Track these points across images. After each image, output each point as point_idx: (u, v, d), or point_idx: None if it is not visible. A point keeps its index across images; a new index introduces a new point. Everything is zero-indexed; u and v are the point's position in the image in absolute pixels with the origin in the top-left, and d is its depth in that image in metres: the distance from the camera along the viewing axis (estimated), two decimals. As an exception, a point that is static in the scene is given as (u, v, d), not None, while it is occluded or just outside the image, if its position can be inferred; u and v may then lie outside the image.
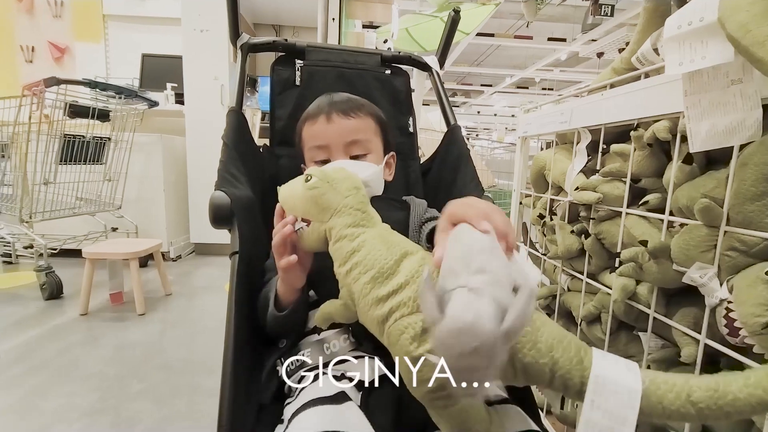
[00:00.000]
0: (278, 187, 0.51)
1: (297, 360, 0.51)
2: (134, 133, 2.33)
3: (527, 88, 8.28)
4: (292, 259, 0.47)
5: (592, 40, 4.91)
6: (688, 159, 0.53)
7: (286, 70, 0.87)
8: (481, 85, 8.36)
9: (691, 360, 0.53)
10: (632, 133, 0.63)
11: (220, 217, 0.55)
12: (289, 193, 0.48)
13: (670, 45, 0.45)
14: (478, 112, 10.54)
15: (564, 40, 5.49)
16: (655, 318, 0.60)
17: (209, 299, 2.01)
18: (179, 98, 2.64)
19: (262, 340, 0.57)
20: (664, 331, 0.62)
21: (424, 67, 0.93)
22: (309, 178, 0.45)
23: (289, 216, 0.48)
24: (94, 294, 1.78)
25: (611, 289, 0.69)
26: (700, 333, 0.53)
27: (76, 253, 1.97)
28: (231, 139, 0.69)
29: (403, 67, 0.94)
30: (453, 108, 0.90)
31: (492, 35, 5.48)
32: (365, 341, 0.52)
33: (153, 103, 2.38)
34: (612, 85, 0.70)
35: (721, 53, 0.42)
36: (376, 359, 0.50)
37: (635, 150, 0.64)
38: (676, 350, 0.60)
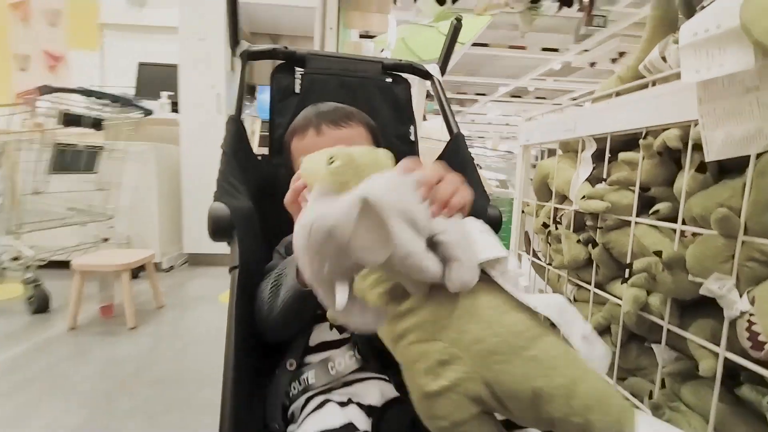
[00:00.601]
0: (302, 157, 0.47)
1: (301, 380, 0.49)
2: (128, 142, 2.29)
3: (521, 97, 8.37)
4: None
5: (585, 51, 4.98)
6: (701, 168, 0.52)
7: (286, 78, 0.85)
8: (476, 94, 8.43)
9: (709, 374, 0.51)
10: (641, 141, 0.62)
11: (219, 229, 0.53)
12: (311, 169, 0.43)
13: (686, 52, 0.44)
14: (473, 121, 10.63)
15: (557, 50, 5.56)
16: (668, 330, 0.59)
17: (203, 311, 1.97)
18: (175, 107, 2.62)
19: (266, 360, 0.54)
20: (678, 342, 0.60)
21: (426, 75, 0.92)
22: (332, 160, 0.40)
23: (300, 181, 0.45)
24: (84, 307, 1.73)
25: (620, 299, 0.67)
26: (717, 345, 0.51)
27: (65, 265, 1.91)
28: (230, 147, 0.67)
29: (404, 75, 0.93)
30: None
31: (486, 45, 5.54)
32: (372, 358, 0.49)
33: (147, 112, 2.36)
34: (618, 93, 0.69)
35: (739, 60, 0.41)
36: (383, 382, 0.47)
37: (644, 158, 0.63)
38: (691, 363, 0.58)
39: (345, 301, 0.29)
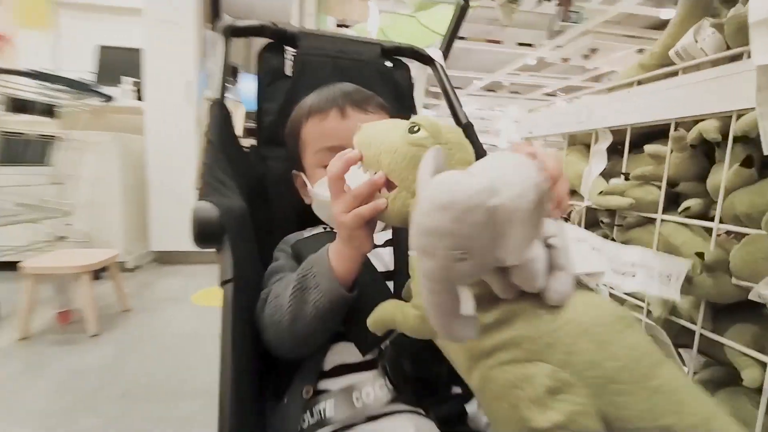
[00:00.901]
0: (361, 124, 0.39)
1: (315, 412, 0.41)
2: (86, 132, 2.10)
3: (495, 91, 8.46)
4: (376, 206, 0.34)
5: (558, 47, 5.07)
6: (747, 162, 0.48)
7: (276, 59, 0.76)
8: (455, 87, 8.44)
9: (755, 384, 0.47)
10: (673, 133, 0.57)
11: (206, 233, 0.43)
12: (378, 139, 0.36)
13: (758, 31, 0.39)
14: (449, 114, 10.69)
15: (531, 45, 5.64)
16: (700, 335, 0.55)
17: (173, 313, 1.83)
18: (139, 95, 2.43)
19: (268, 386, 0.46)
20: (708, 348, 0.57)
21: (427, 59, 0.85)
22: (416, 128, 0.33)
23: (353, 151, 0.37)
24: (38, 313, 1.57)
25: (641, 301, 0.64)
26: (760, 351, 0.47)
27: (15, 266, 1.73)
28: (217, 137, 0.58)
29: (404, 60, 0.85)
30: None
31: (464, 38, 5.53)
32: (405, 387, 0.41)
33: (107, 98, 2.16)
34: (640, 82, 0.65)
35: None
36: (418, 417, 0.40)
37: (672, 152, 0.59)
38: (725, 370, 0.55)
39: (473, 308, 0.24)
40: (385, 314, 0.34)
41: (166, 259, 2.57)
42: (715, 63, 0.54)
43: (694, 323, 0.56)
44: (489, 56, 6.33)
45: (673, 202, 0.62)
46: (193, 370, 1.32)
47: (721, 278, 0.50)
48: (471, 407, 0.43)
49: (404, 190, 0.33)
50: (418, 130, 0.33)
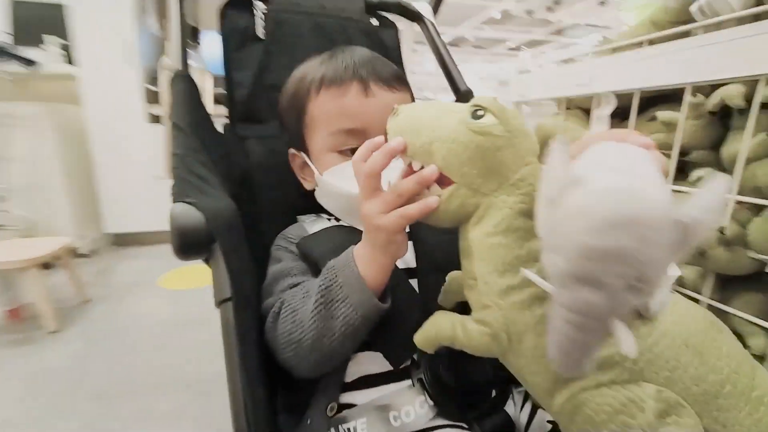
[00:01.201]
0: (397, 105, 0.33)
1: (344, 429, 0.37)
2: (11, 104, 1.82)
3: (458, 46, 8.26)
4: (429, 204, 0.29)
5: (522, -1, 4.95)
6: (774, 130, 0.46)
7: (243, 18, 0.64)
8: (415, 42, 8.14)
9: (760, 351, 0.49)
10: (690, 98, 0.54)
11: (191, 244, 0.36)
12: (427, 125, 0.30)
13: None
14: (413, 72, 10.39)
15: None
16: (708, 306, 0.56)
17: (140, 300, 1.71)
18: (69, 58, 2.12)
19: (284, 401, 0.41)
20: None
21: (415, 15, 0.77)
22: (480, 112, 0.28)
23: (397, 140, 0.31)
24: (-16, 313, 1.41)
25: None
26: (766, 321, 0.48)
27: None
28: (185, 119, 0.48)
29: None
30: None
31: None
32: (446, 401, 0.38)
33: (30, 63, 1.87)
34: (652, 42, 0.60)
35: None
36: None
37: (687, 119, 0.56)
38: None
39: (635, 347, 0.20)
40: (439, 331, 0.30)
41: (124, 241, 2.38)
42: (741, 21, 0.50)
43: (700, 293, 0.57)
44: (452, 9, 6.11)
45: (680, 171, 0.61)
46: (172, 360, 1.25)
47: (737, 251, 0.49)
48: (508, 409, 0.41)
49: (464, 186, 0.29)
50: (483, 114, 0.28)
